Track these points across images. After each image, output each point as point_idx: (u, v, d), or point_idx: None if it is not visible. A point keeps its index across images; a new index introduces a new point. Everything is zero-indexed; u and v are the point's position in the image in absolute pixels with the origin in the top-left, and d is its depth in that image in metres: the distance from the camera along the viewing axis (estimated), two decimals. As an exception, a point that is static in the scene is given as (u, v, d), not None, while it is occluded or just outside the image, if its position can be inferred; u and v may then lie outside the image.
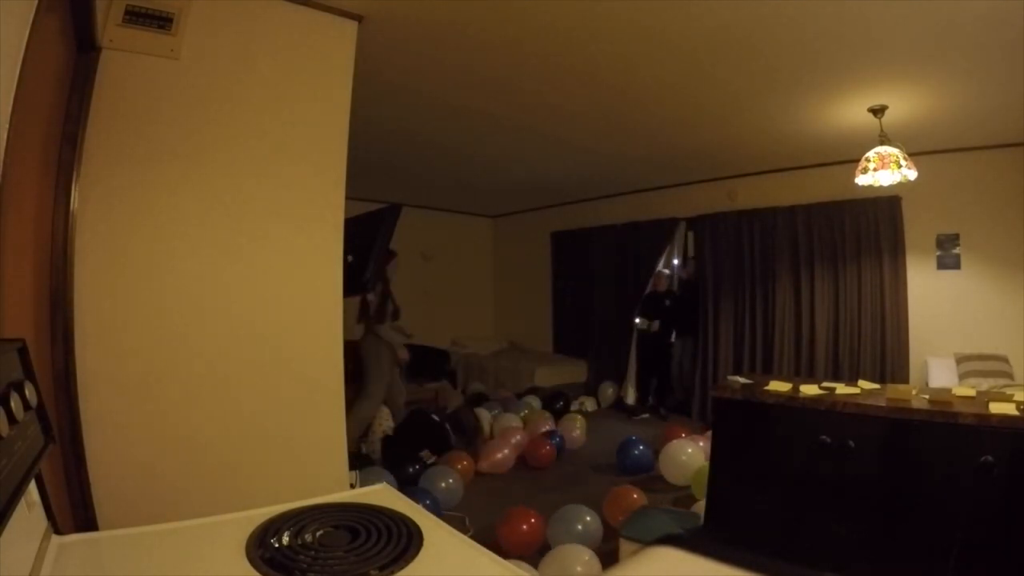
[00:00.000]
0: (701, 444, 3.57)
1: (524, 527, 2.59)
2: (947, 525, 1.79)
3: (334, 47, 2.10)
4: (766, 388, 2.31)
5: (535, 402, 4.97)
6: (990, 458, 1.73)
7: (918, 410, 1.91)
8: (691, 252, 5.61)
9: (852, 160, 3.39)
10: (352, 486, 2.10)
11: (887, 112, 3.18)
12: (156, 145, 1.70)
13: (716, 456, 2.44)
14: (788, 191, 4.80)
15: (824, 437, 2.07)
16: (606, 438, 4.31)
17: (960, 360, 3.88)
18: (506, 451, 3.79)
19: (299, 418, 1.92)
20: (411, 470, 3.36)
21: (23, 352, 0.76)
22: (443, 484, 3.14)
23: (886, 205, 4.32)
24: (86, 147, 1.53)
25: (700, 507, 2.64)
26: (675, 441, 3.67)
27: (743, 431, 2.35)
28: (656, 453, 3.62)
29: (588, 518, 2.61)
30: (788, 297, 4.81)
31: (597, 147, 4.23)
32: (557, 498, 3.00)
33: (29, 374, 0.76)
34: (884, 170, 3.12)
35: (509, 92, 3.08)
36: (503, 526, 2.61)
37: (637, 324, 5.44)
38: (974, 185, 4.05)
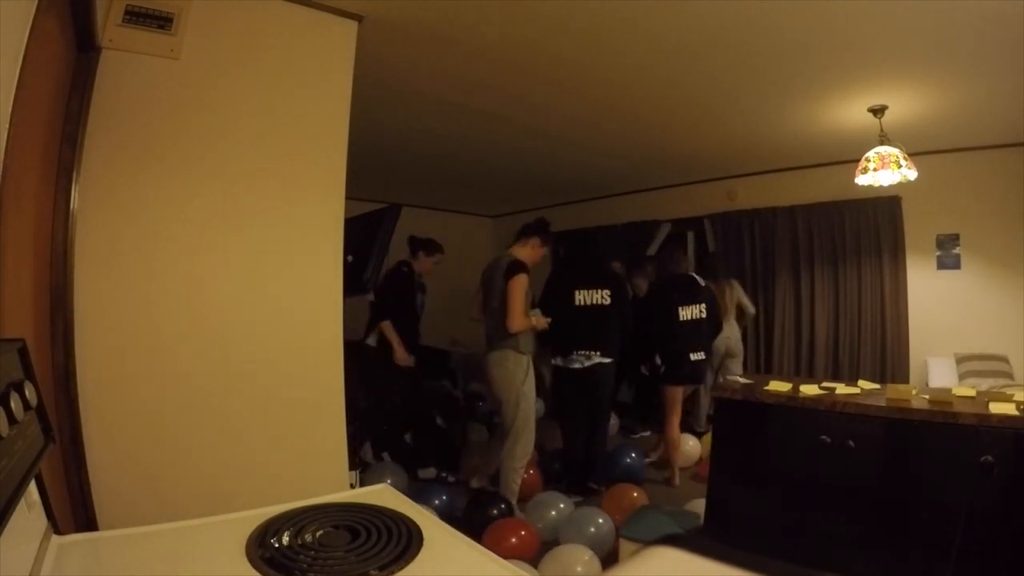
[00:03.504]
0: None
1: (513, 540, 2.40)
2: (947, 525, 1.79)
3: (334, 47, 2.10)
4: (766, 388, 2.31)
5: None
6: (990, 458, 1.73)
7: (918, 410, 1.91)
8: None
9: (852, 160, 3.39)
10: (352, 486, 2.10)
11: (887, 112, 3.18)
12: (156, 145, 1.70)
13: (716, 456, 2.44)
14: (788, 191, 4.80)
15: (824, 437, 2.07)
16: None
17: (960, 360, 3.88)
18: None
19: (299, 418, 1.92)
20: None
21: (23, 352, 0.76)
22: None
23: (886, 205, 4.32)
24: (86, 147, 1.52)
25: (700, 506, 2.64)
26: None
27: (743, 431, 2.35)
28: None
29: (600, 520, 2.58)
30: (788, 297, 4.81)
31: (597, 147, 4.23)
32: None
33: (29, 374, 0.76)
34: (884, 170, 3.13)
35: (509, 92, 3.08)
36: (488, 539, 2.39)
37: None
38: (974, 185, 4.05)
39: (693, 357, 3.50)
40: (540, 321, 3.11)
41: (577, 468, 3.43)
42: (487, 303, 3.13)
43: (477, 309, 3.26)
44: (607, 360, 3.38)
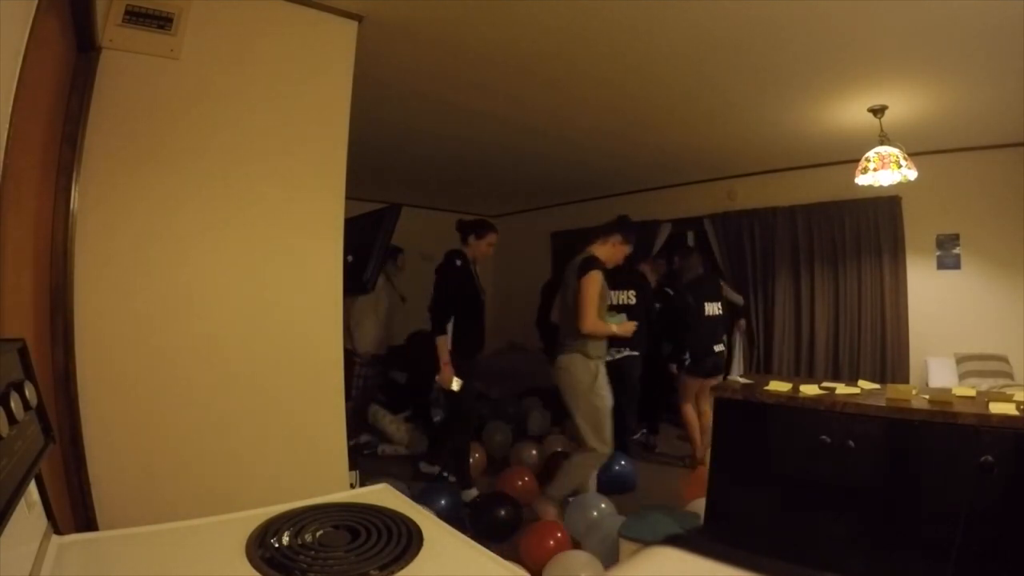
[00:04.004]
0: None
1: (551, 542, 2.39)
2: (947, 525, 1.79)
3: (334, 47, 2.10)
4: (766, 388, 2.31)
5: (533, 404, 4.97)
6: (990, 458, 1.73)
7: (918, 410, 1.91)
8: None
9: (852, 160, 3.39)
10: (352, 486, 2.10)
11: (887, 112, 3.18)
12: (156, 145, 1.70)
13: (716, 456, 2.44)
14: (788, 191, 4.80)
15: (824, 437, 2.07)
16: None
17: (960, 360, 3.88)
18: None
19: (299, 418, 1.92)
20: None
21: (23, 352, 0.76)
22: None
23: (886, 205, 4.32)
24: (86, 147, 1.52)
25: (700, 506, 2.64)
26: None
27: (743, 431, 2.35)
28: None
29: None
30: (788, 297, 4.81)
31: (597, 147, 4.23)
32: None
33: (29, 374, 0.76)
34: (884, 170, 3.13)
35: (508, 92, 3.08)
36: (525, 540, 2.43)
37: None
38: (974, 185, 4.05)
39: (716, 349, 3.90)
40: (625, 327, 2.89)
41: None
42: (562, 302, 2.96)
43: (557, 311, 3.16)
44: (635, 353, 3.74)
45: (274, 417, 1.87)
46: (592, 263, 2.81)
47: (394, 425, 4.39)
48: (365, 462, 3.85)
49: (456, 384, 3.13)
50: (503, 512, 2.73)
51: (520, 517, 2.82)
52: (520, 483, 3.23)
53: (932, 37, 2.34)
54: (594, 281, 2.75)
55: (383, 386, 4.63)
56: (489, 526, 2.68)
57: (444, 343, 3.13)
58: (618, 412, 3.63)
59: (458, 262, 3.29)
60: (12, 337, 0.77)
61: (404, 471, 3.72)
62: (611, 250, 2.98)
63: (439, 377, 3.13)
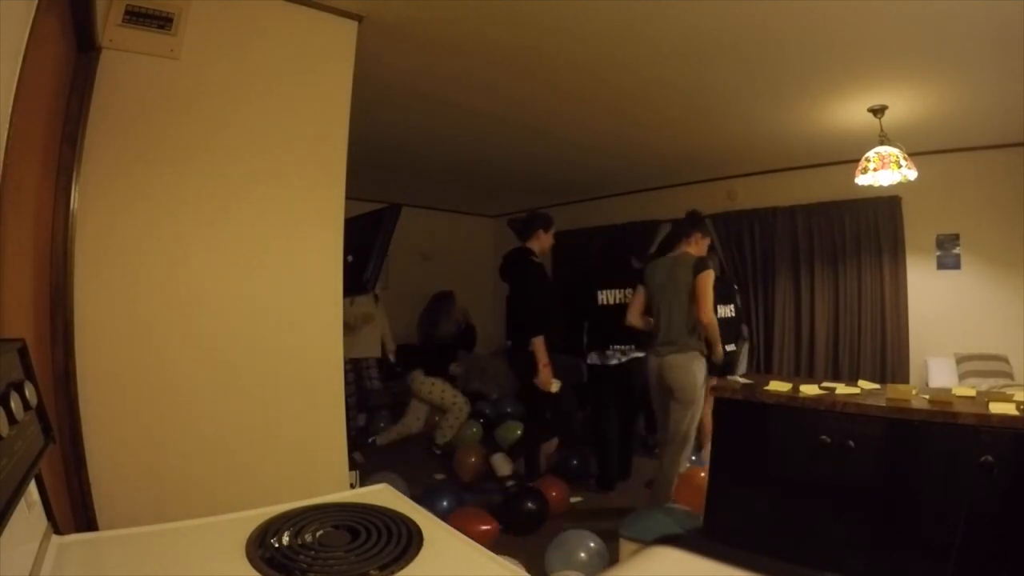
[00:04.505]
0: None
1: (481, 527, 2.46)
2: (947, 525, 1.79)
3: (334, 47, 2.10)
4: (766, 388, 2.31)
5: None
6: (990, 458, 1.72)
7: (918, 410, 1.91)
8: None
9: (852, 160, 3.39)
10: (352, 486, 2.10)
11: (887, 112, 3.18)
12: (156, 145, 1.70)
13: (716, 456, 2.44)
14: (788, 191, 4.80)
15: (824, 437, 2.07)
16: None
17: (960, 360, 3.88)
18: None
19: (299, 418, 1.92)
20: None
21: (23, 352, 0.76)
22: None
23: (886, 205, 4.32)
24: (86, 147, 1.52)
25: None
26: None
27: (743, 431, 2.35)
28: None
29: (591, 544, 2.34)
30: (788, 297, 4.81)
31: (597, 147, 4.23)
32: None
33: (29, 374, 0.76)
34: (884, 170, 3.13)
35: (509, 93, 3.08)
36: (451, 525, 2.46)
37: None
38: (974, 185, 4.05)
39: (727, 349, 3.82)
40: None
41: (611, 464, 3.46)
42: (664, 302, 3.02)
43: (636, 313, 3.18)
44: (641, 355, 3.53)
45: (274, 417, 1.87)
46: (707, 263, 3.02)
47: (426, 386, 4.33)
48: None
49: (556, 386, 3.12)
50: (530, 504, 2.80)
51: (546, 515, 2.87)
52: (554, 493, 3.12)
53: (932, 37, 2.34)
54: (711, 278, 2.97)
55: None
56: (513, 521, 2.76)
57: (542, 344, 3.08)
58: (630, 418, 3.66)
59: (534, 258, 3.26)
60: (12, 337, 0.77)
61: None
62: (698, 247, 3.13)
63: (538, 380, 3.07)
